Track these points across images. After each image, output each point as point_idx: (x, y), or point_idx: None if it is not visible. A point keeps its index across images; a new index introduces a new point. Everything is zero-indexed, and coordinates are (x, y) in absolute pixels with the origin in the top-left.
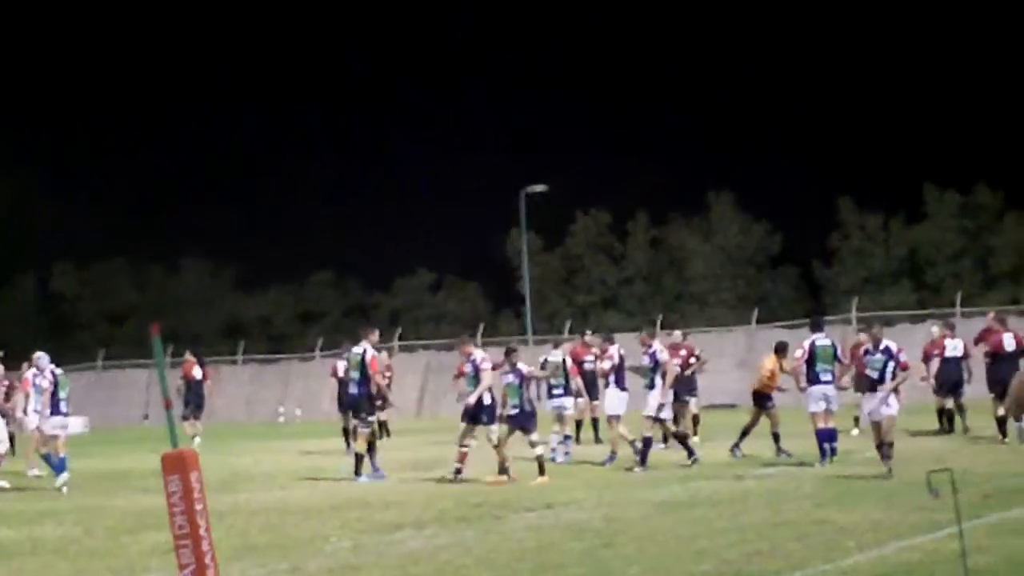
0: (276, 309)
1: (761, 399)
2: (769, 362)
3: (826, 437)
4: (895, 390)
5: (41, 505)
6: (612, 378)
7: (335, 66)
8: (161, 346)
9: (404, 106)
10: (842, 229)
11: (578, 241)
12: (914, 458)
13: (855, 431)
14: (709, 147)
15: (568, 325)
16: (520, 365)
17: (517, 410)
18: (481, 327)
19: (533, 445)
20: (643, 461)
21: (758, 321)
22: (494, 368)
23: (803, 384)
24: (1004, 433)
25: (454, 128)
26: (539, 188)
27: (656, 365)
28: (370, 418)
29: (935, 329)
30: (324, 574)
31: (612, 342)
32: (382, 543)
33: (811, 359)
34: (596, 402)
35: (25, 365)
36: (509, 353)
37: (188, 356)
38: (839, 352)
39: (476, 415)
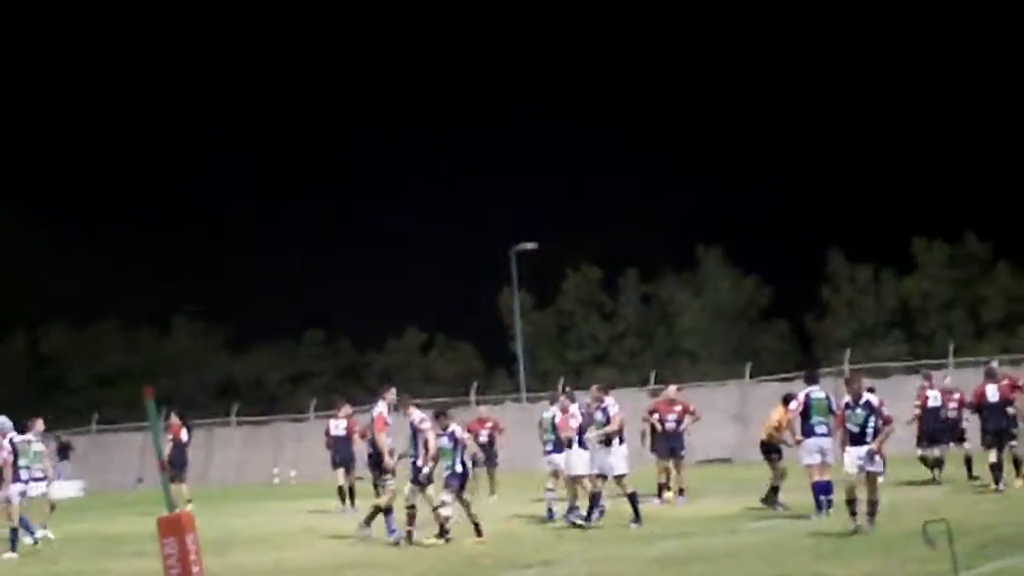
0: (268, 369)
1: (768, 450)
2: (777, 413)
3: (822, 490)
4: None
5: (35, 570)
6: (575, 437)
7: (326, 124)
8: (155, 409)
9: (393, 163)
10: (832, 282)
11: (569, 298)
12: (908, 508)
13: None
14: (698, 202)
15: (561, 382)
16: (453, 427)
17: (449, 471)
18: (475, 385)
19: (442, 505)
20: (637, 516)
21: (751, 375)
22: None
23: (798, 437)
24: (997, 480)
25: (444, 186)
26: (530, 246)
27: (608, 421)
28: (387, 476)
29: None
30: None
31: (573, 400)
32: None
33: (806, 411)
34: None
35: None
36: (439, 416)
37: (174, 418)
38: (834, 405)
39: (416, 477)
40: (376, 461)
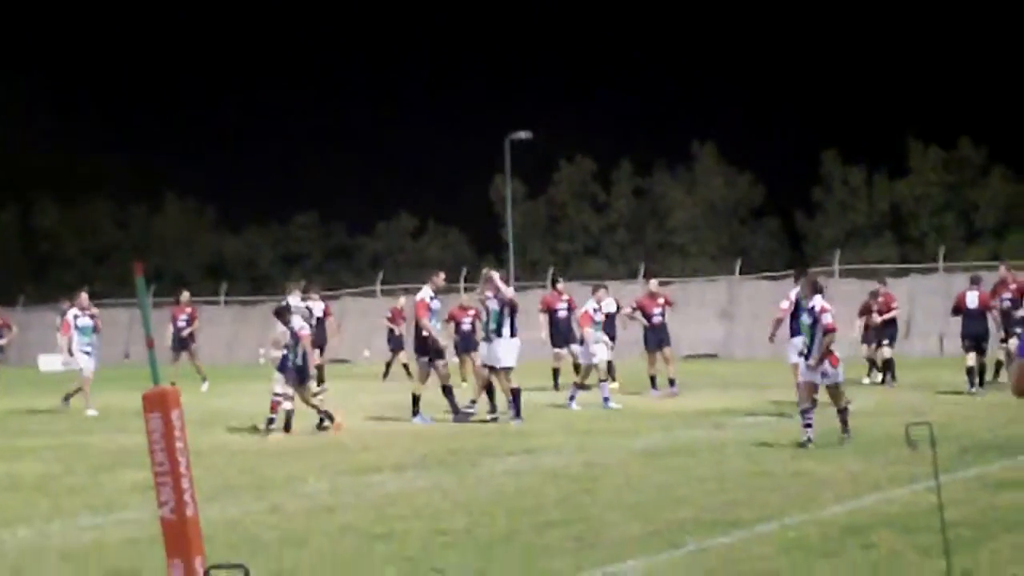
0: (259, 250)
1: None
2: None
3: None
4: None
5: (21, 442)
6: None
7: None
8: (144, 286)
9: (390, 52)
10: (825, 182)
11: (562, 189)
12: (891, 411)
13: (866, 379)
14: (694, 98)
15: (551, 272)
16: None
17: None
18: (464, 272)
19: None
20: (517, 412)
21: (740, 272)
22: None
23: (773, 332)
24: (971, 383)
25: (440, 74)
26: (524, 135)
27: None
28: (440, 359)
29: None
30: (301, 514)
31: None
32: (359, 485)
33: (796, 311)
34: (567, 348)
35: (67, 304)
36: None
37: (185, 295)
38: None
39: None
40: (421, 345)
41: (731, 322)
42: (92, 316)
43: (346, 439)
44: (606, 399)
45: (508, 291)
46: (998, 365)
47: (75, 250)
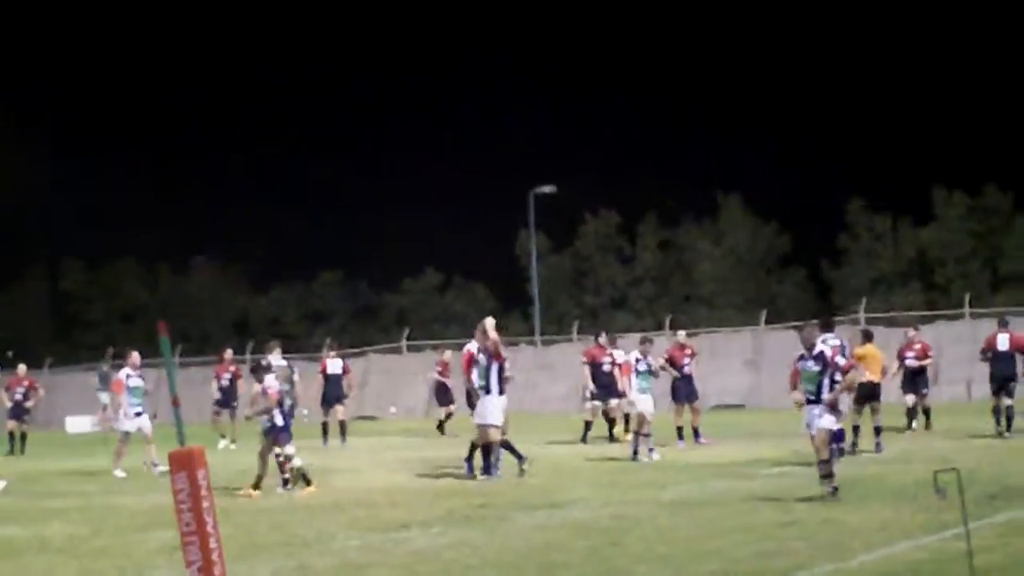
0: (284, 309)
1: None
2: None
3: (834, 438)
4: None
5: (49, 503)
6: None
7: (344, 67)
8: (168, 345)
9: (415, 106)
10: (851, 230)
11: (587, 242)
12: (919, 458)
13: (909, 431)
14: (719, 148)
15: (576, 326)
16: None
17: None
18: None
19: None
20: (486, 468)
21: (766, 322)
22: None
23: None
24: (999, 423)
25: (465, 128)
26: (548, 189)
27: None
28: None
29: (911, 332)
30: (331, 572)
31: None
32: (388, 541)
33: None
34: (612, 401)
35: (106, 365)
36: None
37: (228, 353)
38: (848, 352)
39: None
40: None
41: (757, 372)
42: (142, 377)
43: (375, 496)
44: (635, 453)
45: (492, 336)
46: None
47: (101, 311)
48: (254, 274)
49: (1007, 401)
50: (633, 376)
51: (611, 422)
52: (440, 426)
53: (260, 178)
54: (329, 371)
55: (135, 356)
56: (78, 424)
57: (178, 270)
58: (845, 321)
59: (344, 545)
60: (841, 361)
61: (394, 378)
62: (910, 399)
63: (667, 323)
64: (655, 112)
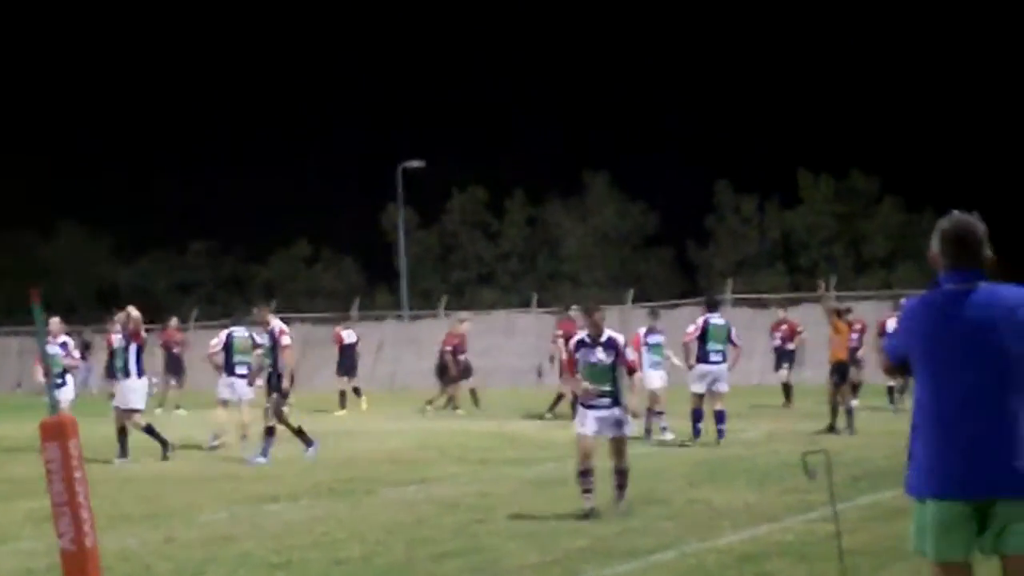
0: (153, 278)
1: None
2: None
3: (701, 417)
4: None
5: None
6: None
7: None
8: (40, 312)
9: (284, 80)
10: (718, 211)
11: (454, 218)
12: (784, 439)
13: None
14: (587, 127)
15: (444, 301)
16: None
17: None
18: (357, 301)
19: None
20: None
21: (633, 301)
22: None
23: (691, 362)
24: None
25: (334, 101)
26: (416, 163)
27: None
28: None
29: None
30: (198, 544)
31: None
32: (256, 514)
33: (703, 336)
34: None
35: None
36: None
37: (173, 322)
38: (732, 334)
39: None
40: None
41: None
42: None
43: (240, 468)
44: (648, 432)
45: (135, 315)
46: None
47: None
48: (122, 243)
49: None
50: (643, 351)
51: (559, 398)
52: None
53: (130, 144)
54: (345, 341)
55: (54, 322)
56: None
57: (42, 235)
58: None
59: (211, 518)
60: (630, 355)
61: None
62: (783, 375)
63: (534, 300)
64: (525, 88)
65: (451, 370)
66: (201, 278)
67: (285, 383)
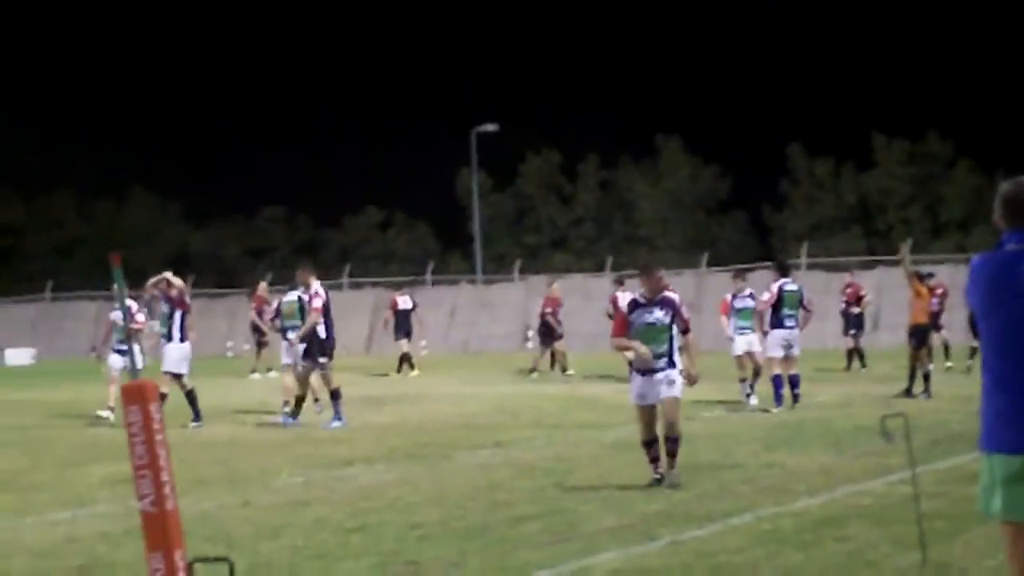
0: (225, 244)
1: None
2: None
3: (782, 383)
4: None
5: None
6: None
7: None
8: (122, 277)
9: (358, 43)
10: (792, 175)
11: (528, 181)
12: (860, 402)
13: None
14: (659, 91)
15: (518, 265)
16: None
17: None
18: (431, 265)
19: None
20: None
21: (708, 265)
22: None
23: (766, 327)
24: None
25: (405, 68)
26: (490, 127)
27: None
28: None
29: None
30: (274, 509)
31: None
32: (331, 478)
33: (778, 303)
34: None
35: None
36: None
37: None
38: (805, 298)
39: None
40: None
41: (698, 315)
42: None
43: (317, 433)
44: (748, 396)
45: (177, 283)
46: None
47: (38, 244)
48: (193, 210)
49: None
50: (732, 316)
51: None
52: (553, 363)
53: (201, 112)
54: (400, 307)
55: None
56: (17, 356)
57: (117, 204)
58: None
59: (288, 482)
60: (686, 312)
61: (335, 315)
62: (848, 341)
63: (608, 264)
64: (596, 52)
65: (555, 330)
66: (274, 243)
67: (294, 339)
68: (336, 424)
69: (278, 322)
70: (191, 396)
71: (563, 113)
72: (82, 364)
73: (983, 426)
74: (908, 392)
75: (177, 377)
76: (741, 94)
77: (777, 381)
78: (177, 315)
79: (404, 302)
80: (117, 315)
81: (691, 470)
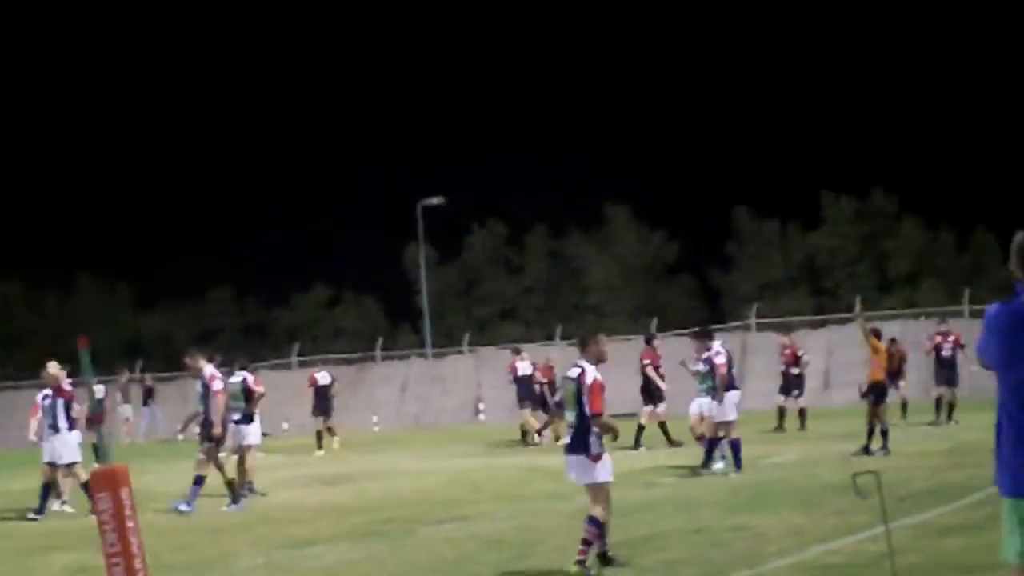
0: (174, 328)
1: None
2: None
3: (739, 446)
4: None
5: None
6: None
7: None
8: (89, 360)
9: (298, 118)
10: (738, 237)
11: (475, 254)
12: (819, 461)
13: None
14: (605, 158)
15: (467, 338)
16: None
17: None
18: (380, 341)
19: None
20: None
21: (657, 330)
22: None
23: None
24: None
25: (350, 141)
26: (436, 200)
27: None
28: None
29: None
30: None
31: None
32: (295, 559)
33: (730, 364)
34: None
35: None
36: None
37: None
38: (732, 361)
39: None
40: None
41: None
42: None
43: (276, 512)
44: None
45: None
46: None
47: None
48: (142, 293)
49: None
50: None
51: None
52: (535, 433)
53: (144, 197)
54: (319, 383)
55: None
56: None
57: (65, 291)
58: (737, 327)
59: (251, 564)
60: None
61: (286, 394)
62: (781, 399)
63: (558, 333)
64: (539, 123)
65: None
66: (223, 324)
67: (216, 430)
68: (184, 508)
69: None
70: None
71: (509, 184)
72: (32, 454)
73: (1007, 473)
74: (866, 450)
75: (72, 466)
76: (686, 159)
77: (736, 444)
78: (60, 403)
79: (323, 378)
80: (46, 402)
81: (658, 537)
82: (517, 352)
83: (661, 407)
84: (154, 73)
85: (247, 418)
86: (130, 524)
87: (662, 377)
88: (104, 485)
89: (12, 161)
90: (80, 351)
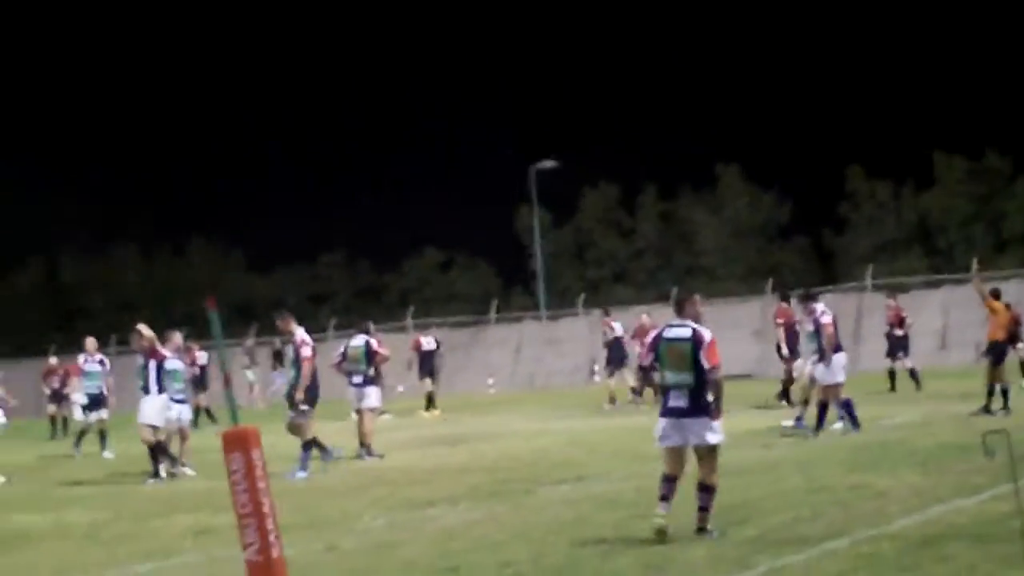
0: (286, 291)
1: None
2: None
3: (853, 406)
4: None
5: (66, 491)
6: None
7: (343, 44)
8: (218, 320)
9: (413, 82)
10: (852, 198)
11: (588, 216)
12: (938, 421)
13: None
14: (716, 119)
15: (581, 299)
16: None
17: None
18: (494, 304)
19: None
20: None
21: (772, 291)
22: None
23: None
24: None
25: (463, 105)
26: (549, 164)
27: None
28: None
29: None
30: (360, 552)
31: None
32: (415, 519)
33: (836, 325)
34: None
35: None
36: None
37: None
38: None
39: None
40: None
41: (764, 342)
42: (181, 359)
43: (394, 474)
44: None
45: (147, 334)
46: None
47: (101, 300)
48: (253, 257)
49: None
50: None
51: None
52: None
53: (258, 160)
54: (424, 348)
55: (177, 337)
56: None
57: (176, 255)
58: (851, 288)
59: (370, 525)
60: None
61: (400, 357)
62: (887, 362)
63: (673, 295)
64: (652, 83)
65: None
66: (335, 288)
67: (298, 394)
68: (300, 475)
69: (345, 366)
70: (157, 449)
71: (620, 146)
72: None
73: None
74: (987, 409)
75: (152, 428)
76: (798, 119)
77: (849, 404)
78: (152, 366)
79: (428, 343)
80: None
81: (779, 496)
82: (607, 313)
83: (799, 362)
84: (262, 43)
85: (369, 380)
86: (261, 485)
87: (796, 336)
88: (236, 446)
89: (126, 126)
90: (209, 312)
